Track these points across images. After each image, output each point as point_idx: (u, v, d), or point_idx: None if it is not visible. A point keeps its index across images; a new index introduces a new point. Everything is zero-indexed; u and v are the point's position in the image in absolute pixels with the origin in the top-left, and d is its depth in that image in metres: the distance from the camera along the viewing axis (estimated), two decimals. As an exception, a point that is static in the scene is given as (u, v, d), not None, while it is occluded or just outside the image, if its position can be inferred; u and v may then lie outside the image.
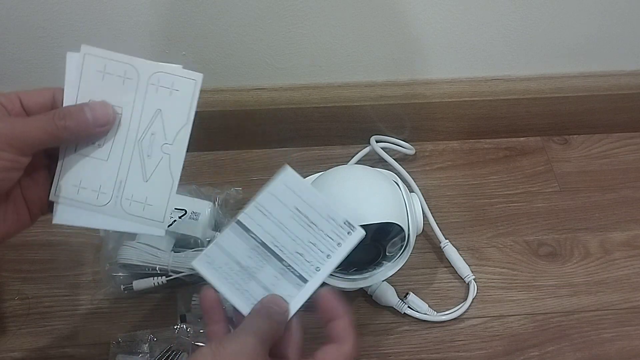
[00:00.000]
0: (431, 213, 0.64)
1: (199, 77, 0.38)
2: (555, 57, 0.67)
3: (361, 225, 0.48)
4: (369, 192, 0.51)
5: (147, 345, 0.54)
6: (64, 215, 0.38)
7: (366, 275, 0.55)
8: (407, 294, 0.59)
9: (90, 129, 0.36)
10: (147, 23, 0.58)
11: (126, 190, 0.38)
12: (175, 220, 0.59)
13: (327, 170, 0.54)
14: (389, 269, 0.54)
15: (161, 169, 0.38)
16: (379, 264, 0.54)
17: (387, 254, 0.52)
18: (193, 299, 0.56)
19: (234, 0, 0.57)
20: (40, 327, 0.57)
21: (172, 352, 0.53)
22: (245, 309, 0.38)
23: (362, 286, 0.55)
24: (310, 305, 0.38)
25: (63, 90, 0.37)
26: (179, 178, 0.38)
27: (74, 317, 0.58)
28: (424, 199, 0.64)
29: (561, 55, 0.66)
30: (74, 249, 0.62)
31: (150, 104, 0.37)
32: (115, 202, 0.38)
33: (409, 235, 0.52)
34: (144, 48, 0.60)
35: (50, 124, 0.35)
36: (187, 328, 0.54)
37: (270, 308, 0.37)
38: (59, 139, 0.36)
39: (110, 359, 0.54)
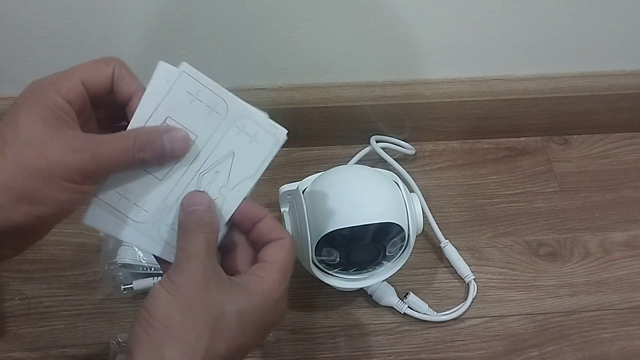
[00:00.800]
0: (431, 213, 0.64)
1: (282, 135, 0.37)
2: (555, 57, 0.67)
3: (361, 225, 0.49)
4: (369, 192, 0.51)
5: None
6: (96, 218, 0.36)
7: (366, 275, 0.55)
8: (407, 294, 0.59)
9: (164, 159, 0.35)
10: (146, 23, 0.58)
11: (168, 217, 0.36)
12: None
13: (327, 170, 0.54)
14: (389, 269, 0.54)
15: None
16: (379, 264, 0.54)
17: (387, 254, 0.52)
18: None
19: (234, 0, 0.57)
20: (40, 327, 0.57)
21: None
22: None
23: (362, 286, 0.55)
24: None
25: (126, 70, 0.35)
26: (224, 224, 0.37)
27: (74, 317, 0.58)
28: (424, 199, 0.64)
29: (561, 55, 0.66)
30: (74, 249, 0.62)
31: (227, 144, 0.36)
32: (153, 224, 0.36)
33: (409, 235, 0.52)
34: (143, 48, 0.60)
35: (129, 156, 0.33)
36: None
37: (193, 213, 0.35)
38: (131, 167, 0.35)
39: (110, 359, 0.54)
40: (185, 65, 0.35)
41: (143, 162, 0.34)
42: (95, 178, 0.33)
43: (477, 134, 0.73)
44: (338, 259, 0.52)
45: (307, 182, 0.54)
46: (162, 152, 0.34)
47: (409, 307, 0.58)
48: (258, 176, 0.37)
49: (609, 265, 0.62)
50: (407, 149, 0.70)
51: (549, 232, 0.65)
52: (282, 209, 0.61)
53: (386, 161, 0.67)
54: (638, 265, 0.62)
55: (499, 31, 0.63)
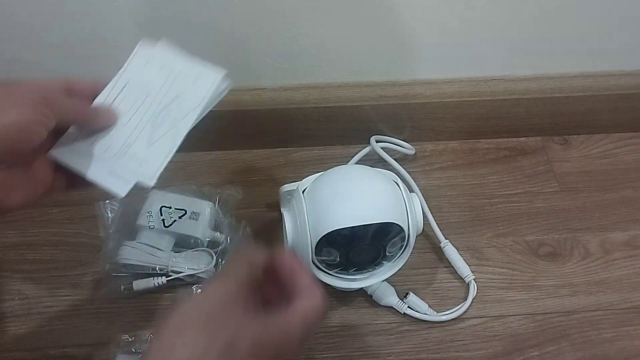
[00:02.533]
0: (431, 213, 0.64)
1: (221, 72, 0.45)
2: (555, 57, 0.67)
3: (361, 225, 0.49)
4: (369, 192, 0.51)
5: (147, 345, 0.54)
6: (69, 155, 0.42)
7: (366, 275, 0.55)
8: (407, 294, 0.59)
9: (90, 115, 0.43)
10: (145, 23, 0.58)
11: (130, 150, 0.43)
12: (175, 220, 0.59)
13: (327, 170, 0.54)
14: (389, 269, 0.54)
15: (166, 137, 0.43)
16: (379, 264, 0.54)
17: (387, 254, 0.52)
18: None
19: (234, 0, 0.57)
20: (40, 327, 0.57)
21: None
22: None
23: (362, 286, 0.55)
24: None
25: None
26: (178, 146, 0.43)
27: (74, 317, 0.58)
28: (424, 199, 0.64)
29: (561, 55, 0.66)
30: (74, 249, 0.62)
31: (174, 90, 0.45)
32: (118, 157, 0.42)
33: (409, 235, 0.52)
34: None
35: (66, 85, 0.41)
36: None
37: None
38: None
39: (111, 359, 0.54)
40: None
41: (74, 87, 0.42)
42: (49, 105, 0.38)
43: (477, 134, 0.73)
44: (338, 259, 0.52)
45: (307, 182, 0.54)
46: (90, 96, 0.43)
47: (409, 307, 0.58)
48: (202, 106, 0.44)
49: (609, 265, 0.62)
50: (407, 149, 0.70)
51: (549, 232, 0.65)
52: (282, 209, 0.61)
53: (386, 161, 0.67)
54: (638, 265, 0.62)
55: (499, 31, 0.63)
